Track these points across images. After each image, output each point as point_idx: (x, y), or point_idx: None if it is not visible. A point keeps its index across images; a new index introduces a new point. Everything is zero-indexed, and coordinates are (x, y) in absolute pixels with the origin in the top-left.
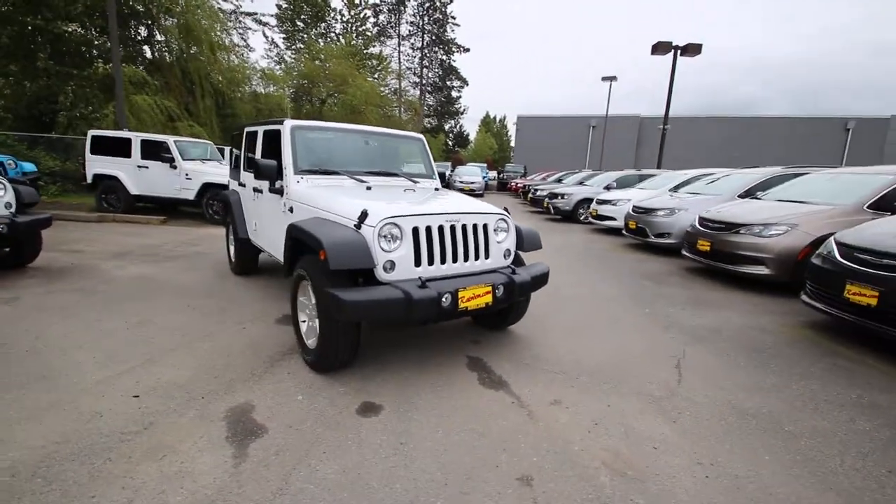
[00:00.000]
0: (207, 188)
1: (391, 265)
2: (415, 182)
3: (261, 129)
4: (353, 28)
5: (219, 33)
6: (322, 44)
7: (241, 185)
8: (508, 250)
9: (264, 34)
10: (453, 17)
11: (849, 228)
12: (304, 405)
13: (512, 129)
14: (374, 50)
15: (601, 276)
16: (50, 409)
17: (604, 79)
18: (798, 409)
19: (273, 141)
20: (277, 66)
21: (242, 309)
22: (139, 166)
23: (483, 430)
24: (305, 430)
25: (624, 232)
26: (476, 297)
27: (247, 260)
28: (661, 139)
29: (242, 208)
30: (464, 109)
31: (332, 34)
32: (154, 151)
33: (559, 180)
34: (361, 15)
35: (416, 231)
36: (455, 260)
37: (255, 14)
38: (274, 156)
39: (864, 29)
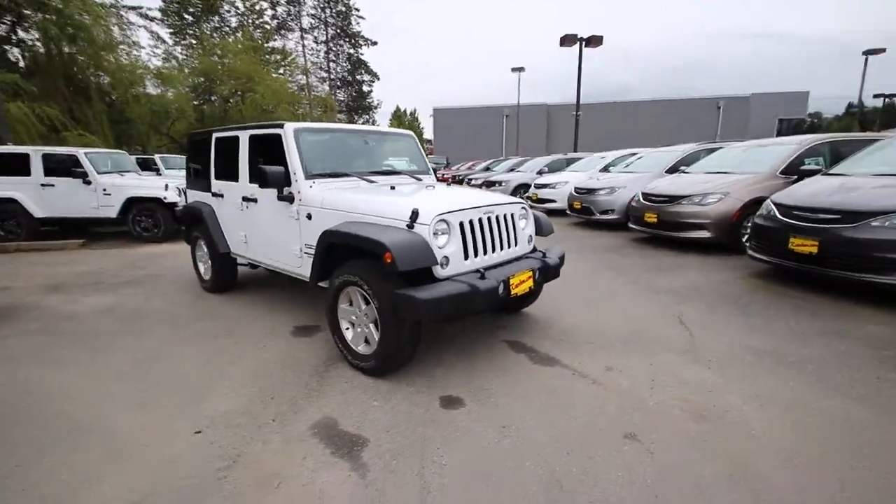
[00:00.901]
0: (132, 203)
1: (446, 261)
2: (418, 179)
3: (243, 134)
4: (250, 21)
5: (103, 28)
6: (217, 38)
7: (215, 195)
8: (530, 236)
9: (147, 29)
10: (357, 10)
11: (779, 192)
12: (386, 409)
13: (424, 122)
14: (277, 44)
15: (570, 254)
16: (108, 464)
17: (513, 69)
18: (790, 343)
19: (265, 146)
20: (167, 65)
21: (249, 328)
22: (43, 185)
23: (567, 402)
24: (406, 432)
25: (568, 212)
26: (522, 283)
27: (226, 276)
28: (575, 125)
29: (219, 221)
30: (377, 104)
31: (227, 28)
32: (60, 167)
33: (487, 168)
34: (257, 7)
35: (461, 225)
36: (493, 250)
37: (140, 8)
38: (266, 162)
39: (712, 20)
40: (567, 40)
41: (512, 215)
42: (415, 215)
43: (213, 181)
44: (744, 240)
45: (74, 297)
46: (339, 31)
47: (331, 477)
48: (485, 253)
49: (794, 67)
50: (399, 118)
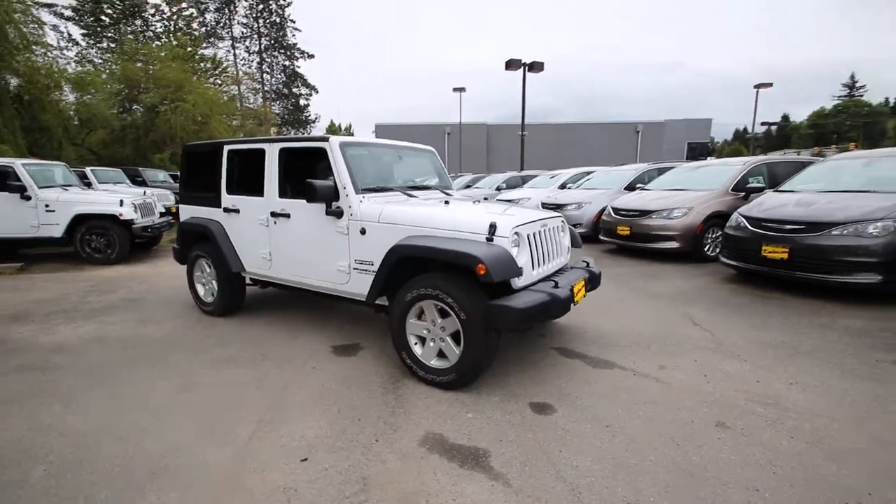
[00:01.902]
0: (80, 221)
1: (521, 271)
2: (448, 194)
3: (271, 147)
4: (175, 27)
5: (14, 26)
6: (140, 44)
7: (228, 210)
8: (569, 247)
9: (56, 29)
10: (293, 21)
11: (744, 206)
12: (483, 420)
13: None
14: (208, 52)
15: None
16: (226, 501)
17: (454, 89)
18: (793, 336)
19: (299, 159)
20: (82, 69)
21: (283, 350)
22: None
23: (647, 400)
24: (520, 439)
25: None
26: (580, 291)
27: (235, 297)
28: (521, 145)
29: (230, 238)
30: (315, 118)
31: (151, 33)
32: None
33: None
34: (184, 13)
35: (528, 238)
36: (549, 260)
37: (55, 6)
38: (298, 176)
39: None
40: (512, 65)
41: (557, 228)
42: (493, 228)
43: (225, 196)
44: (706, 249)
45: (47, 326)
46: (273, 41)
47: (475, 488)
48: (543, 263)
49: (697, 97)
50: (334, 133)
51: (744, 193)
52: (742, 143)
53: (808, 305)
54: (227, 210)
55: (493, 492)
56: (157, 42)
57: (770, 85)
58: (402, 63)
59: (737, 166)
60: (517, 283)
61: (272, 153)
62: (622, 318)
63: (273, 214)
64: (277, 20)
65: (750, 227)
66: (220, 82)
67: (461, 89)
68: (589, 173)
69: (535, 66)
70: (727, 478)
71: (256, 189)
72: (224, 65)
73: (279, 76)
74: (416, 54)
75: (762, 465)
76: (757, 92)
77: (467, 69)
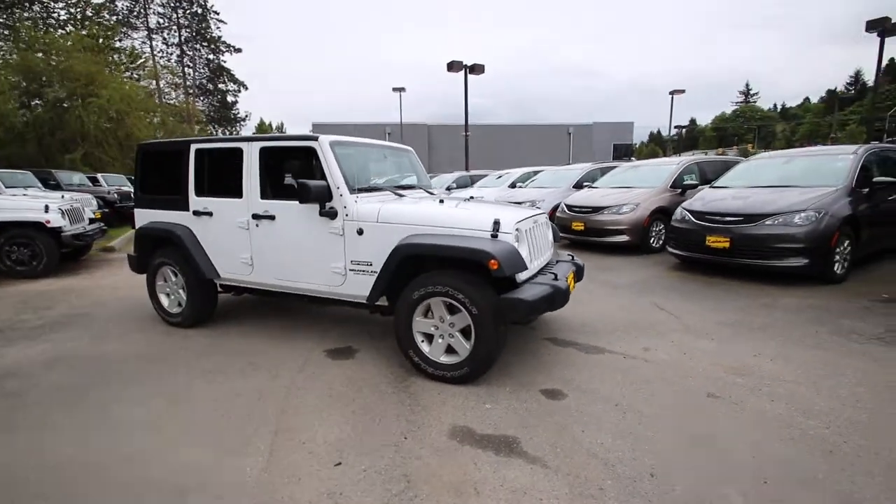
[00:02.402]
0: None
1: (526, 265)
2: (431, 193)
3: (250, 146)
4: (82, 15)
5: None
6: (40, 31)
7: (199, 213)
8: (552, 242)
9: None
10: (216, 13)
11: (687, 201)
12: (501, 409)
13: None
14: (123, 44)
15: None
16: None
17: (394, 89)
18: (744, 316)
19: (283, 159)
20: None
21: (272, 358)
22: None
23: (642, 379)
24: (544, 424)
25: None
26: (571, 283)
27: (207, 305)
28: (465, 145)
29: (201, 243)
30: (245, 115)
31: (53, 20)
32: None
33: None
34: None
35: (526, 233)
36: (541, 255)
37: None
38: (278, 176)
39: (547, 51)
40: (454, 66)
41: (544, 223)
42: (497, 225)
43: (194, 198)
44: (651, 242)
45: None
46: (194, 33)
47: (517, 473)
48: (537, 257)
49: (613, 102)
50: (264, 132)
51: (680, 190)
52: (657, 144)
53: (749, 288)
54: (196, 213)
55: (535, 474)
56: (61, 31)
57: (683, 91)
58: (335, 61)
59: (672, 166)
60: (520, 276)
61: (251, 152)
62: (595, 307)
63: (255, 217)
64: (199, 10)
65: (695, 220)
66: (137, 76)
67: (401, 89)
68: (536, 172)
69: (476, 69)
70: (733, 439)
71: (233, 190)
72: (142, 58)
73: (202, 70)
74: (348, 52)
75: (756, 426)
76: (672, 98)
77: (402, 67)
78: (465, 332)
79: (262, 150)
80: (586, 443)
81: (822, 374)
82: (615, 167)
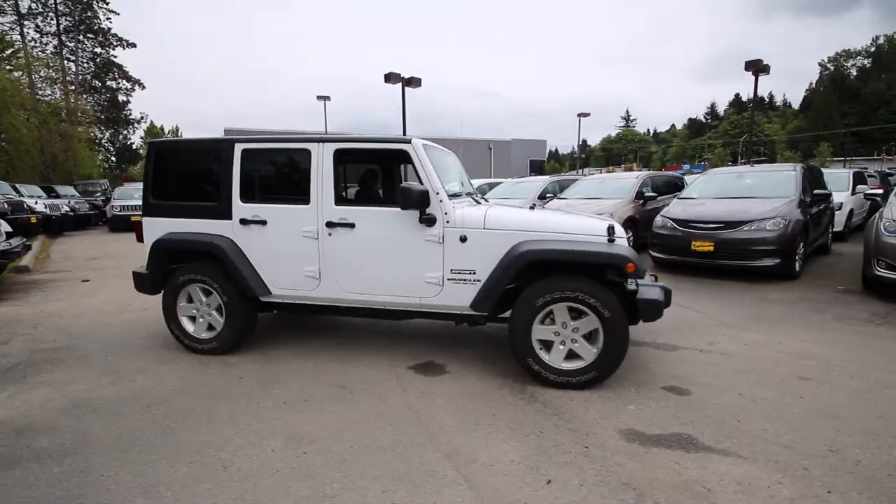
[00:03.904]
0: None
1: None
2: (477, 200)
3: (321, 147)
4: None
5: None
6: None
7: (247, 222)
8: None
9: None
10: (106, 2)
11: (666, 210)
12: (647, 409)
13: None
14: None
15: None
16: None
17: (318, 97)
18: (753, 309)
19: (364, 162)
20: None
21: (358, 379)
22: None
23: (736, 369)
24: (697, 420)
25: None
26: None
27: (247, 328)
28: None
29: (247, 256)
30: (141, 117)
31: None
32: None
33: None
34: None
35: None
36: None
37: None
38: (354, 181)
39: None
40: (391, 78)
41: None
42: (612, 230)
43: (240, 205)
44: None
45: None
46: (77, 23)
47: (722, 466)
48: None
49: (515, 120)
50: (156, 136)
51: (642, 201)
52: (556, 161)
53: (732, 286)
54: (244, 222)
55: (740, 465)
56: None
57: (588, 115)
58: (240, 65)
59: (632, 179)
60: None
61: (323, 154)
62: None
63: (329, 225)
64: None
65: (679, 227)
66: (9, 67)
67: (325, 97)
68: (491, 185)
69: (413, 82)
70: (854, 412)
71: (296, 196)
72: (15, 46)
73: (87, 65)
74: (249, 58)
75: (859, 399)
76: (580, 120)
77: (314, 77)
78: (588, 337)
79: (338, 153)
80: (751, 431)
81: (863, 353)
82: (575, 180)
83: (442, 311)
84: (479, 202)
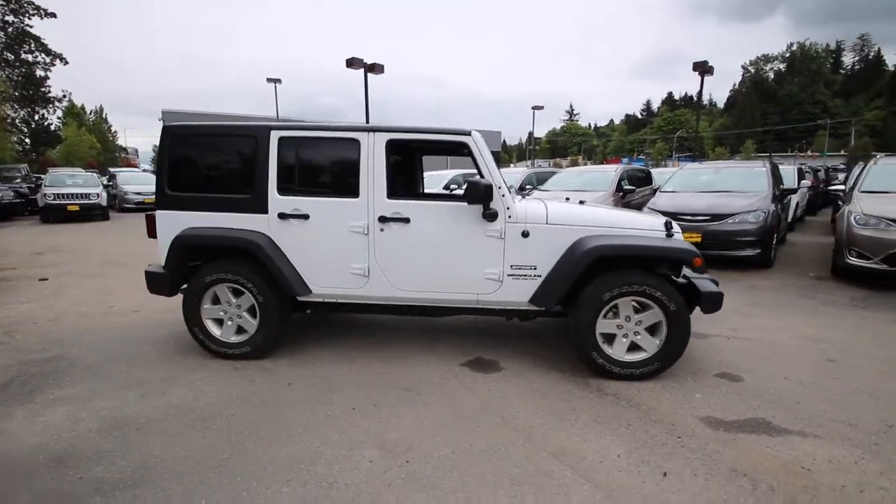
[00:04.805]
0: None
1: None
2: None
3: (372, 137)
4: None
5: None
6: None
7: (286, 216)
8: None
9: None
10: None
11: (652, 202)
12: (714, 397)
13: (116, 125)
14: None
15: None
16: None
17: (268, 80)
18: (754, 297)
19: (413, 153)
20: None
21: (415, 379)
22: None
23: (767, 354)
24: (764, 404)
25: None
26: None
27: (283, 330)
28: None
29: (284, 253)
30: (64, 94)
31: None
32: None
33: None
34: None
35: None
36: None
37: None
38: (397, 172)
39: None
40: (353, 63)
41: None
42: (670, 225)
43: (277, 198)
44: None
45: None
46: None
47: (810, 448)
48: None
49: (461, 110)
50: (77, 117)
51: (621, 193)
52: (504, 151)
53: (722, 275)
54: (283, 216)
55: (819, 444)
56: None
57: (542, 108)
58: (170, 45)
59: (611, 172)
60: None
61: (374, 145)
62: None
63: (382, 219)
64: None
65: None
66: None
67: (276, 80)
68: (467, 176)
69: (376, 68)
70: (882, 391)
71: (344, 188)
72: None
73: None
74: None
75: (881, 380)
76: (533, 113)
77: (250, 60)
78: (651, 330)
79: (391, 143)
80: (813, 411)
81: (865, 336)
82: (552, 172)
83: (499, 308)
84: (537, 197)
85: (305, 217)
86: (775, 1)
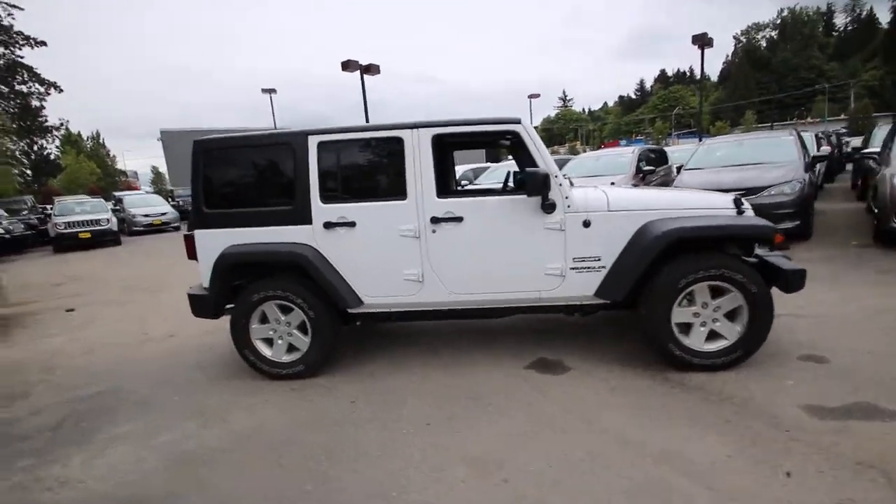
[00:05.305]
0: None
1: None
2: None
3: (417, 133)
4: None
5: None
6: None
7: (332, 226)
8: None
9: None
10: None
11: (677, 180)
12: (804, 383)
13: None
14: None
15: None
16: None
17: (263, 90)
18: (812, 270)
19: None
20: None
21: (481, 388)
22: None
23: (844, 330)
24: (861, 385)
25: None
26: None
27: (334, 345)
28: None
29: (333, 264)
30: (62, 123)
31: None
32: None
33: None
34: None
35: None
36: None
37: None
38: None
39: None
40: (349, 66)
41: None
42: (740, 202)
43: (321, 206)
44: None
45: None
46: None
47: None
48: None
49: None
50: (75, 144)
51: (641, 175)
52: None
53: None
54: (329, 225)
55: None
56: None
57: (538, 95)
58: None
59: (629, 155)
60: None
61: (418, 141)
62: None
63: (434, 220)
64: None
65: None
66: None
67: (271, 90)
68: (477, 171)
69: (372, 69)
70: None
71: (390, 190)
72: None
73: None
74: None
75: None
76: (530, 102)
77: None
78: (729, 315)
79: (437, 139)
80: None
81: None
82: (568, 159)
83: (562, 304)
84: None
85: (352, 224)
86: None
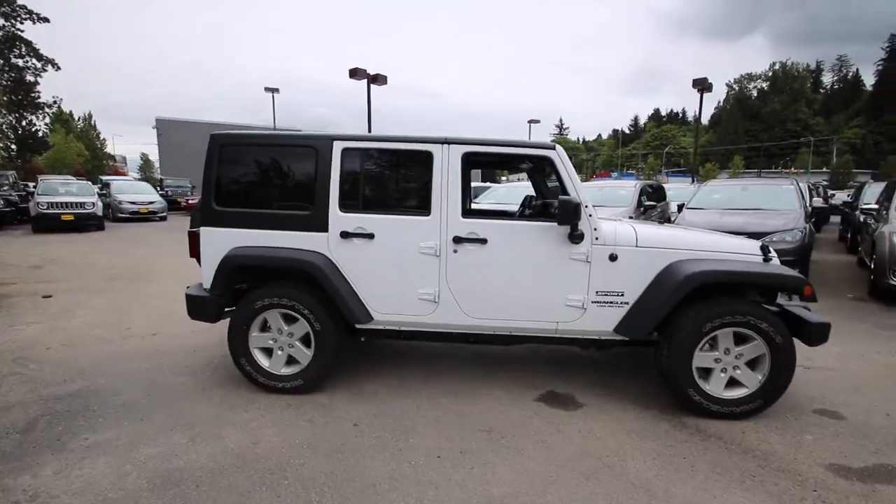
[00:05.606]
0: None
1: None
2: None
3: (446, 149)
4: None
5: None
6: None
7: (349, 236)
8: None
9: None
10: None
11: (679, 218)
12: (825, 439)
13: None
14: None
15: None
16: None
17: (266, 89)
18: None
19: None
20: None
21: (488, 419)
22: None
23: (855, 386)
24: (882, 444)
25: None
26: None
27: (336, 360)
28: None
29: (345, 276)
30: (55, 100)
31: None
32: None
33: None
34: None
35: None
36: None
37: None
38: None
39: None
40: (357, 73)
41: None
42: (767, 249)
43: (339, 214)
44: None
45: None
46: None
47: None
48: None
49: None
50: (66, 124)
51: (643, 209)
52: None
53: None
54: (346, 235)
55: None
56: None
57: (538, 121)
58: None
59: (631, 187)
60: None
61: (447, 158)
62: None
63: (457, 240)
64: None
65: None
66: None
67: (274, 90)
68: (477, 191)
69: (379, 79)
70: None
71: (414, 205)
72: None
73: None
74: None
75: None
76: (530, 126)
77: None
78: (751, 364)
79: (467, 157)
80: None
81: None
82: None
83: (580, 337)
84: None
85: (370, 236)
86: (755, 21)
